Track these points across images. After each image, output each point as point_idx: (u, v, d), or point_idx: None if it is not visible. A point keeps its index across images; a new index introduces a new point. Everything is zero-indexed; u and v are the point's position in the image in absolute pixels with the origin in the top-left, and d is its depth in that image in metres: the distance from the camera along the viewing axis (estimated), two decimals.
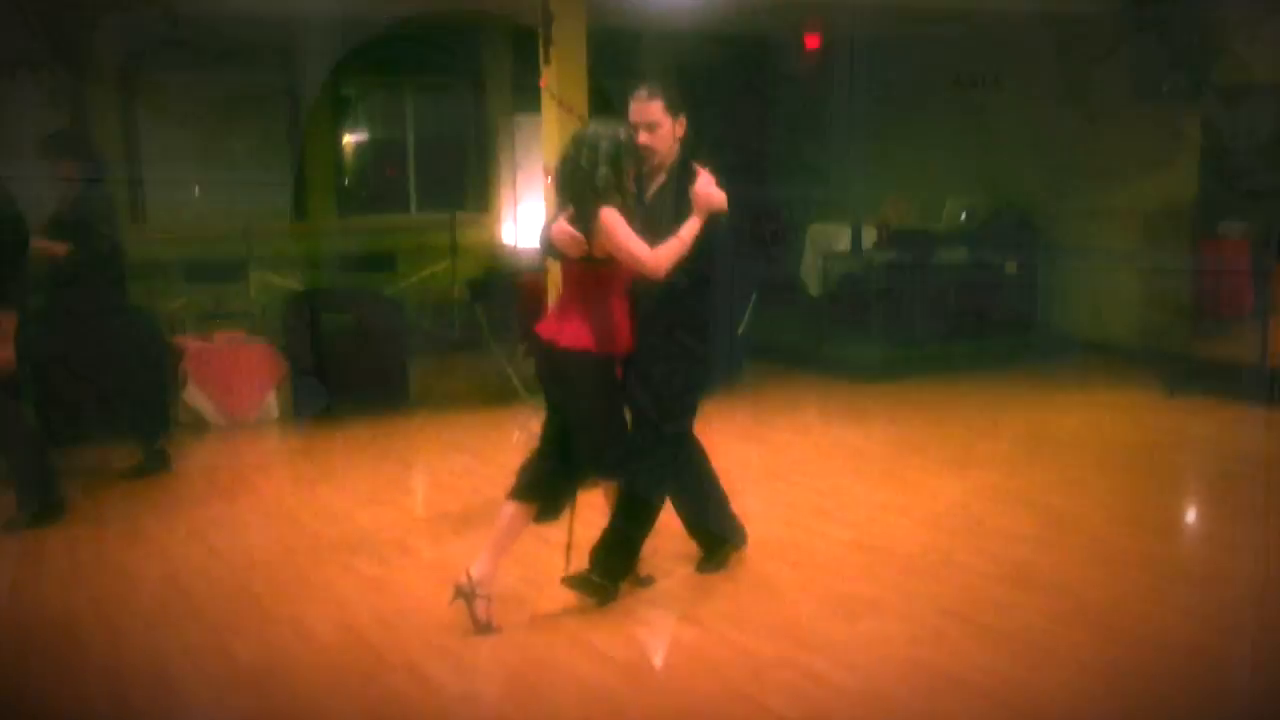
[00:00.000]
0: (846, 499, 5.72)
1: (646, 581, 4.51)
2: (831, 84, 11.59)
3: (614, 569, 4.37)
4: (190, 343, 7.70)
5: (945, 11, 8.48)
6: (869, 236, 9.28)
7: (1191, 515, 5.79)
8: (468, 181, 11.25)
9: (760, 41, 11.77)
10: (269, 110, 10.33)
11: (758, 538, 4.86)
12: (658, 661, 4.07)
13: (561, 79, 5.69)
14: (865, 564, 4.78)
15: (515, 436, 7.34)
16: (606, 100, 10.99)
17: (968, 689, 3.64)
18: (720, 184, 4.10)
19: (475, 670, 3.88)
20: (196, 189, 10.23)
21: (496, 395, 8.11)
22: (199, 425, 7.43)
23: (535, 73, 5.92)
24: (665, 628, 4.26)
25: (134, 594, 4.64)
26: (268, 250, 9.83)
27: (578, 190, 4.11)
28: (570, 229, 4.09)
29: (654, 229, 4.10)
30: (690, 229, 4.08)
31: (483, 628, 4.11)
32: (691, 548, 4.77)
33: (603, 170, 4.06)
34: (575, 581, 4.34)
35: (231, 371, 7.49)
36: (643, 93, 4.21)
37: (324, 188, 10.50)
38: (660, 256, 4.05)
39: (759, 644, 3.99)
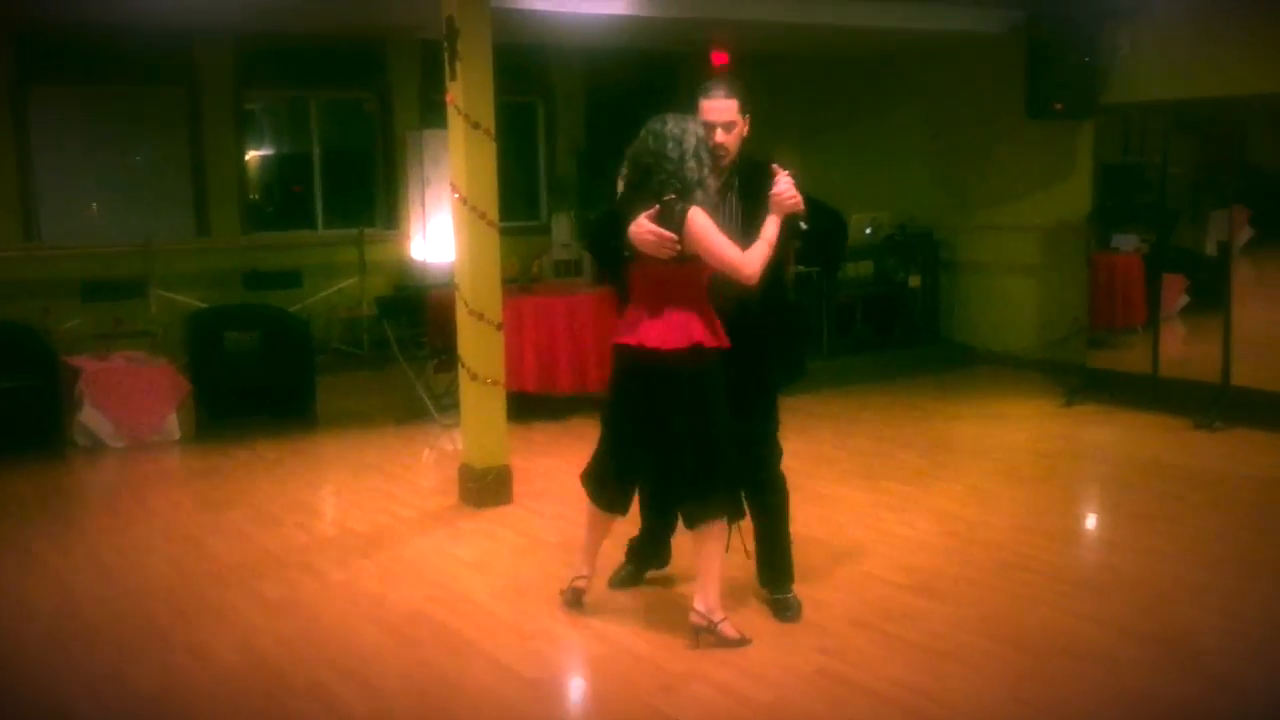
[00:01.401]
0: None
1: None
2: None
3: (790, 571, 4.40)
4: (87, 363, 7.48)
5: (846, 32, 8.63)
6: None
7: (1091, 521, 5.94)
8: (376, 197, 11.13)
9: (668, 58, 11.86)
10: (170, 124, 10.10)
11: None
12: (568, 678, 4.06)
13: (468, 94, 5.65)
14: None
15: (426, 454, 7.28)
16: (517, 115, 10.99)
17: (876, 698, 3.69)
18: (798, 185, 3.95)
19: (382, 692, 3.82)
20: (95, 205, 9.97)
21: (406, 413, 8.03)
22: (96, 447, 7.23)
23: (443, 87, 5.88)
24: (575, 644, 4.25)
25: (28, 624, 4.50)
26: (169, 268, 9.62)
27: (661, 186, 3.85)
28: (656, 228, 3.83)
29: (722, 230, 3.93)
30: (772, 229, 3.88)
31: (742, 641, 4.03)
32: (607, 563, 4.76)
33: (690, 164, 3.85)
34: (790, 614, 4.29)
35: (130, 391, 7.30)
36: (720, 91, 4.05)
37: (227, 203, 10.29)
38: (754, 260, 3.84)
39: (669, 658, 3.99)
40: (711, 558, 4.05)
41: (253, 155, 10.90)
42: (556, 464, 6.75)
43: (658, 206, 3.85)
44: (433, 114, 10.43)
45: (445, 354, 7.38)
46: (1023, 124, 8.81)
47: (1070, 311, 8.72)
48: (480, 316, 5.82)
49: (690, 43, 9.99)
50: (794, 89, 11.23)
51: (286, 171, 11.25)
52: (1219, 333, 7.50)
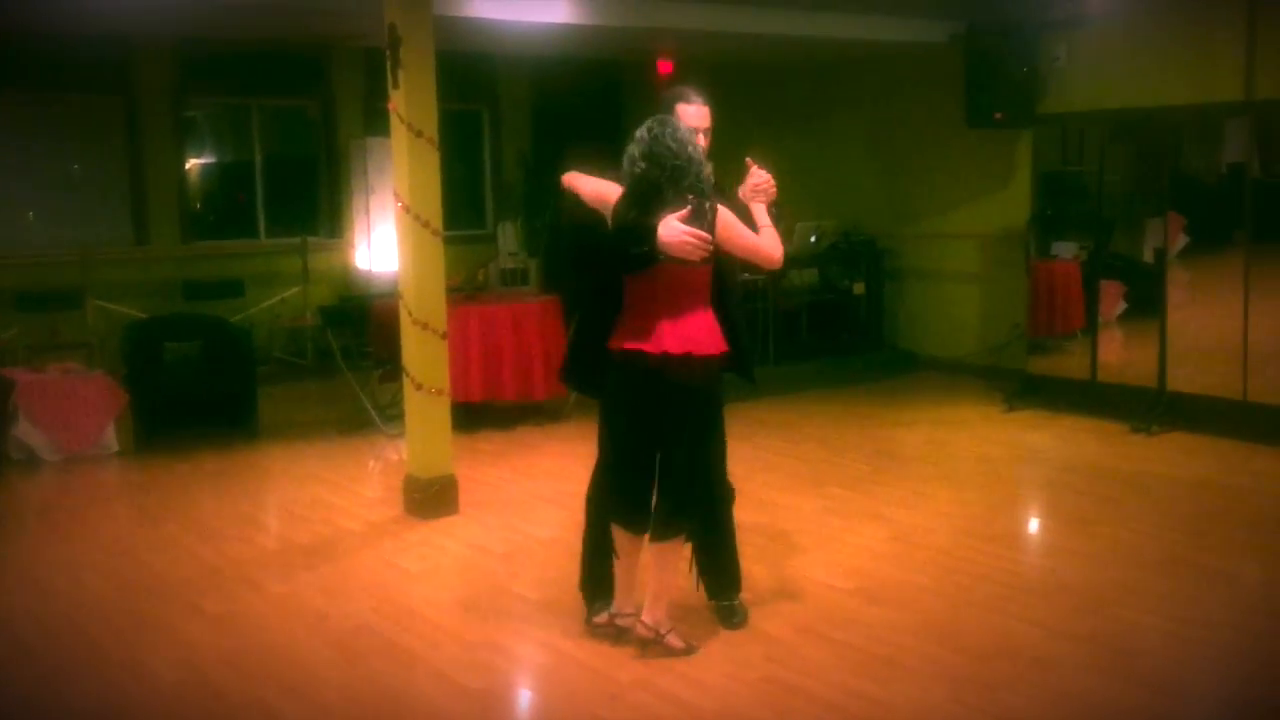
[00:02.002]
0: None
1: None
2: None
3: (736, 579, 4.38)
4: (22, 375, 7.34)
5: (788, 41, 8.71)
6: None
7: (1032, 525, 6.02)
8: (319, 206, 11.03)
9: (614, 66, 11.88)
10: (108, 132, 9.94)
11: None
12: (513, 689, 4.05)
13: (410, 102, 5.62)
14: None
15: (370, 465, 7.22)
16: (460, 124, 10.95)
17: (821, 704, 3.71)
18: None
19: (325, 706, 3.78)
20: (31, 214, 9.79)
21: (350, 423, 7.96)
22: (32, 461, 7.09)
23: (386, 95, 5.84)
24: (521, 654, 4.24)
25: None
26: (107, 277, 9.46)
27: (686, 186, 3.77)
28: (694, 230, 3.73)
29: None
30: (765, 216, 3.97)
31: (689, 650, 4.03)
32: (553, 573, 4.75)
33: (709, 166, 3.85)
34: (737, 620, 4.29)
35: (66, 404, 7.17)
36: (698, 97, 4.10)
37: (167, 212, 10.15)
38: (778, 246, 3.88)
39: (615, 668, 3.99)
40: (668, 572, 4.05)
41: (193, 163, 10.75)
42: (502, 474, 6.74)
43: (688, 208, 3.76)
44: (376, 122, 10.32)
45: (390, 364, 7.33)
46: (963, 133, 8.92)
47: (1010, 318, 8.84)
48: (424, 326, 5.78)
49: (635, 51, 10.02)
50: (737, 97, 11.25)
51: (228, 180, 11.10)
52: (1155, 338, 7.64)
